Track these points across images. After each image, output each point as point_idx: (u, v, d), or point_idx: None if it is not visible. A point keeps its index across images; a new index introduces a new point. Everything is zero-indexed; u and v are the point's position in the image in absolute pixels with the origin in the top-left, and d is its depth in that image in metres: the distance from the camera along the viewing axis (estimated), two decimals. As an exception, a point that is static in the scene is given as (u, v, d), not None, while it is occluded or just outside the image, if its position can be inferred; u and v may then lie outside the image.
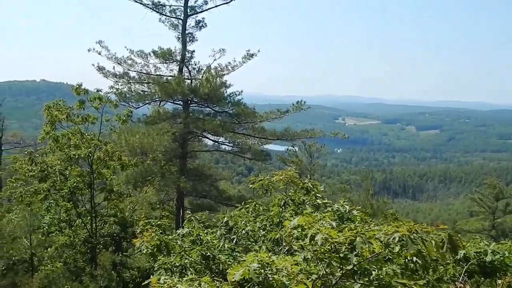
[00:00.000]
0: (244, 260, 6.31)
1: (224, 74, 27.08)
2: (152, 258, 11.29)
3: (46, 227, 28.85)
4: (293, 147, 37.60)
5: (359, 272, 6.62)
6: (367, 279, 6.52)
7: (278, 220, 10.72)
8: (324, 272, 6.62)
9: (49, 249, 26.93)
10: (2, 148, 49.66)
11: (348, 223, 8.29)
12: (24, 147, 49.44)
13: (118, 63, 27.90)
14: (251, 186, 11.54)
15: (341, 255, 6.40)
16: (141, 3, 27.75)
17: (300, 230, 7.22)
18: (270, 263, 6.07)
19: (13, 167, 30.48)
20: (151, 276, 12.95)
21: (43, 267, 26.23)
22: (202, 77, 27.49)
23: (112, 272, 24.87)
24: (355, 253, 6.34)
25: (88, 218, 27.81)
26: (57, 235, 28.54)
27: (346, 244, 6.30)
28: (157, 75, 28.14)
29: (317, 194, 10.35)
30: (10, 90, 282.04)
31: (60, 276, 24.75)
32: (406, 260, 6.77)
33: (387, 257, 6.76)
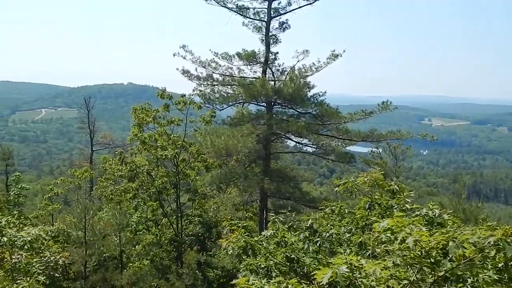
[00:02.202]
0: (331, 263, 6.13)
1: (308, 75, 26.89)
2: (237, 259, 11.29)
3: (134, 226, 29.76)
4: (377, 149, 36.75)
5: (452, 278, 6.27)
6: (461, 285, 6.15)
7: (363, 223, 10.44)
8: (415, 278, 6.34)
9: (137, 246, 27.74)
10: (94, 149, 51.85)
11: (438, 228, 7.92)
12: (113, 147, 51.47)
13: (203, 66, 28.35)
14: (335, 188, 11.29)
15: (433, 260, 6.11)
16: (225, 7, 28.08)
17: (389, 233, 6.98)
18: (359, 266, 5.87)
19: (104, 167, 31.63)
20: (235, 276, 13.00)
21: (131, 264, 27.07)
22: (285, 78, 27.43)
23: (197, 271, 25.23)
24: (448, 258, 6.04)
25: (174, 217, 28.41)
26: (144, 234, 29.37)
27: (438, 249, 6.01)
28: (240, 77, 28.33)
29: (406, 198, 9.96)
30: (99, 93, 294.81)
31: (147, 273, 25.43)
32: (502, 266, 6.34)
33: (482, 262, 6.37)
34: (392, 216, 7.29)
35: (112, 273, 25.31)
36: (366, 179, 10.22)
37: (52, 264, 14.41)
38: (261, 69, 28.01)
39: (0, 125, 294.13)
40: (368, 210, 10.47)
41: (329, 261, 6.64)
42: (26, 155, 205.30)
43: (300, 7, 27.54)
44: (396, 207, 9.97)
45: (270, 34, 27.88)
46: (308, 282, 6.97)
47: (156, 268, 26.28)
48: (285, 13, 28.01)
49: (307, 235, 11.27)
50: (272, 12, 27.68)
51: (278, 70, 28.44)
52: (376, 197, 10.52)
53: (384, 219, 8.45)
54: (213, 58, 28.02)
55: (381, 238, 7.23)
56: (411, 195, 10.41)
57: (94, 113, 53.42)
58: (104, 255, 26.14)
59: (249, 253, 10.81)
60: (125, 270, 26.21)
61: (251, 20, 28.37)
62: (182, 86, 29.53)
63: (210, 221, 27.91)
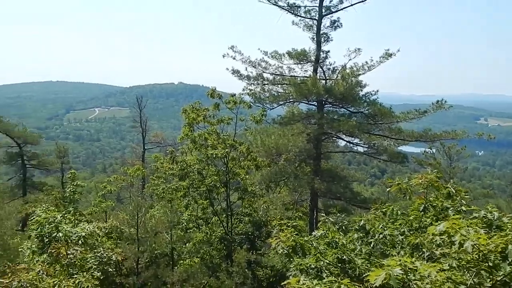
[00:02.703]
0: (384, 264, 6.00)
1: (360, 74, 26.50)
2: (287, 259, 11.23)
3: (185, 223, 30.04)
4: (431, 149, 35.99)
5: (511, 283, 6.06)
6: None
7: (417, 225, 10.20)
8: (472, 282, 6.13)
9: (187, 244, 27.98)
10: (146, 147, 52.71)
11: (497, 231, 7.65)
12: (165, 146, 52.23)
13: (252, 66, 28.37)
14: (388, 189, 11.08)
15: (491, 263, 5.89)
16: (276, 5, 28.01)
17: (445, 236, 6.78)
18: (413, 268, 5.72)
19: (155, 166, 32.06)
20: (285, 275, 12.91)
21: (182, 261, 27.34)
22: (337, 76, 27.15)
23: (247, 269, 25.25)
24: (507, 262, 5.82)
25: (224, 216, 28.53)
26: (194, 232, 29.60)
27: (496, 252, 5.80)
28: (291, 76, 28.20)
29: (462, 200, 9.68)
30: (151, 93, 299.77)
31: (198, 271, 25.59)
32: None
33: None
34: (448, 218, 7.09)
35: (163, 270, 25.56)
36: (421, 180, 10.00)
37: (106, 259, 14.65)
38: (312, 68, 27.82)
39: (56, 124, 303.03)
40: (423, 212, 10.25)
41: (382, 263, 6.51)
42: (81, 153, 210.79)
43: (352, 4, 27.25)
44: (451, 209, 9.73)
45: (321, 32, 27.68)
46: (360, 284, 6.84)
47: (206, 266, 26.43)
48: (336, 11, 27.80)
49: (359, 236, 11.11)
50: (323, 10, 27.49)
51: (329, 68, 28.19)
52: (430, 198, 10.29)
53: (439, 221, 8.23)
54: (263, 58, 28.04)
55: (436, 240, 7.05)
56: (467, 197, 10.13)
57: (145, 112, 54.33)
58: (155, 252, 26.45)
59: (299, 253, 10.75)
60: (176, 267, 26.47)
61: (302, 18, 28.25)
62: (232, 85, 29.72)
63: (260, 220, 27.88)
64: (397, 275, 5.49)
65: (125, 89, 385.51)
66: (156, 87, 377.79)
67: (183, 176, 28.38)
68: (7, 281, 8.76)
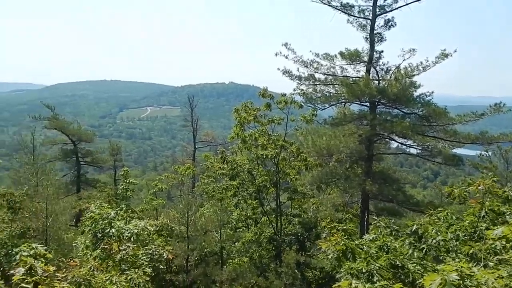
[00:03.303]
0: (438, 270, 5.81)
1: (414, 75, 25.91)
2: (337, 262, 11.09)
3: (234, 223, 30.13)
4: (487, 152, 34.93)
5: None
6: None
7: (473, 230, 9.89)
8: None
9: (236, 243, 28.06)
10: (196, 146, 53.19)
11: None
12: (215, 145, 52.54)
13: (304, 66, 28.16)
14: (444, 192, 10.80)
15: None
16: (329, 5, 27.73)
17: (503, 241, 6.52)
18: (470, 274, 5.51)
19: (206, 165, 32.26)
20: (334, 278, 12.74)
21: (231, 260, 27.41)
22: (390, 77, 26.67)
23: (296, 270, 25.11)
24: None
25: (273, 216, 28.45)
26: (244, 231, 29.65)
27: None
28: (343, 76, 27.87)
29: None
30: (202, 92, 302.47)
31: (247, 270, 25.60)
32: None
33: None
34: (507, 224, 6.84)
35: (212, 269, 25.71)
36: (480, 187, 9.68)
37: (157, 256, 14.79)
38: (365, 68, 27.42)
39: (109, 122, 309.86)
40: (478, 217, 9.94)
41: (437, 268, 6.34)
42: (133, 151, 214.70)
43: (407, 4, 26.68)
44: (508, 213, 9.42)
45: (374, 32, 27.25)
46: None
47: (255, 266, 26.42)
48: (391, 11, 27.28)
49: (412, 240, 10.87)
50: (377, 10, 27.05)
51: (382, 69, 27.71)
52: (487, 203, 9.95)
53: (497, 226, 7.96)
54: (315, 58, 27.79)
55: (496, 246, 6.79)
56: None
57: (196, 112, 54.80)
58: (205, 250, 26.62)
59: (349, 256, 10.60)
60: (225, 266, 26.57)
61: (355, 18, 27.88)
62: (283, 86, 29.58)
63: (310, 221, 27.67)
64: (453, 281, 5.31)
65: (176, 88, 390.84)
66: (207, 87, 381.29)
67: (233, 176, 28.46)
68: (62, 276, 8.88)
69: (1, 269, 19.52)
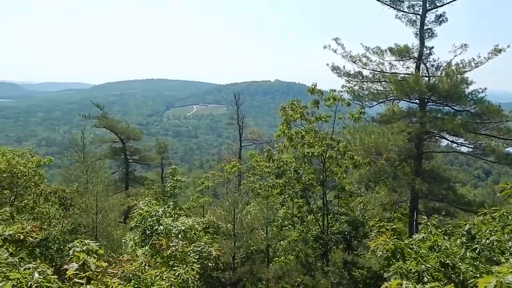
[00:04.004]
0: (492, 271, 5.59)
1: (466, 71, 25.16)
2: (385, 262, 10.92)
3: (280, 221, 30.07)
4: (543, 150, 33.73)
5: None
6: None
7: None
8: None
9: (282, 242, 27.99)
10: (242, 144, 53.32)
11: None
12: (261, 143, 52.53)
13: (353, 61, 27.71)
14: (497, 188, 10.53)
15: None
16: (378, 0, 27.25)
17: None
18: (528, 276, 5.26)
19: (252, 164, 32.29)
20: (382, 277, 12.51)
21: (277, 259, 27.38)
22: (441, 73, 26.01)
23: (343, 270, 24.86)
24: None
25: (320, 215, 28.26)
26: (290, 229, 29.58)
27: None
28: (392, 73, 27.34)
29: None
30: (247, 90, 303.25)
31: (293, 268, 25.51)
32: None
33: None
34: None
35: (258, 266, 25.71)
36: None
37: (205, 254, 14.83)
38: (414, 64, 26.80)
39: (156, 120, 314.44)
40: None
41: (491, 269, 6.13)
42: (179, 149, 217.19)
43: (459, -3, 25.99)
44: None
45: (425, 27, 26.61)
46: None
47: (302, 264, 26.30)
48: (442, 5, 26.58)
49: (464, 240, 10.62)
50: (427, 5, 26.42)
51: (432, 65, 26.97)
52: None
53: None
54: (364, 53, 27.31)
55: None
56: None
57: (242, 110, 54.92)
58: (251, 248, 26.65)
59: (398, 256, 10.43)
60: (271, 264, 26.56)
61: (404, 13, 27.30)
62: (328, 84, 29.17)
63: (357, 220, 27.35)
64: (509, 283, 5.09)
65: (222, 87, 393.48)
66: (253, 85, 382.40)
67: (279, 174, 28.41)
68: (113, 271, 8.98)
69: (54, 264, 19.98)
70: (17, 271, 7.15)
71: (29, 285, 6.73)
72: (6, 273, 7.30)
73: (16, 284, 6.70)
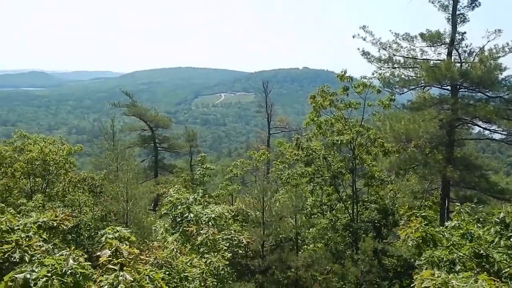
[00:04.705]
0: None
1: (499, 56, 24.58)
2: (416, 250, 10.82)
3: (309, 209, 29.98)
4: None
5: None
6: None
7: None
8: None
9: (311, 230, 27.93)
10: (270, 132, 53.21)
11: None
12: (289, 131, 52.38)
13: (383, 48, 27.36)
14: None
15: None
16: (411, -15, 26.81)
17: None
18: None
19: (280, 151, 32.18)
20: (413, 266, 12.38)
21: (306, 247, 27.35)
22: (474, 59, 25.49)
23: (373, 258, 24.71)
24: None
25: (349, 203, 28.12)
26: (319, 217, 29.49)
27: None
28: (423, 59, 26.90)
29: None
30: (275, 78, 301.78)
31: (322, 256, 25.44)
32: None
33: None
34: None
35: (288, 254, 25.72)
36: None
37: (236, 241, 14.86)
38: (446, 50, 26.29)
39: (184, 108, 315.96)
40: None
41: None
42: (207, 137, 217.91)
43: (493, -19, 25.36)
44: None
45: (457, 13, 26.04)
46: (498, 280, 6.30)
47: (331, 252, 26.26)
48: (475, -11, 26.00)
49: (498, 229, 10.48)
50: (460, -11, 25.87)
51: (465, 51, 26.40)
52: None
53: None
54: (395, 39, 26.93)
55: None
56: None
57: (270, 97, 54.72)
58: (280, 236, 26.66)
59: (430, 244, 10.34)
60: (300, 252, 26.54)
61: (437, -2, 26.76)
62: (357, 71, 28.82)
63: (387, 208, 27.12)
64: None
65: (250, 75, 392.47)
66: (281, 72, 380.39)
67: (308, 162, 28.29)
68: (145, 258, 9.05)
69: (85, 250, 20.28)
70: (51, 257, 7.24)
71: (63, 271, 6.80)
72: (40, 259, 7.40)
73: (51, 270, 6.78)
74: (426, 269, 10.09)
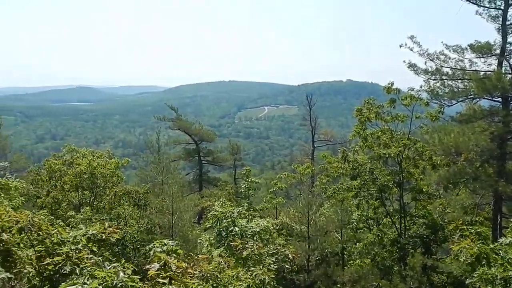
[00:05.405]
0: None
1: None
2: (468, 267, 10.50)
3: (355, 223, 29.58)
4: None
5: None
6: None
7: None
8: None
9: (358, 244, 27.53)
10: (315, 145, 52.98)
11: None
12: (334, 144, 52.09)
13: (430, 59, 26.84)
14: None
15: None
16: (458, -3, 26.32)
17: None
18: None
19: (325, 166, 31.93)
20: (464, 284, 11.99)
21: (352, 262, 26.96)
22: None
23: (422, 274, 24.12)
24: None
25: (396, 217, 27.60)
26: (365, 232, 29.04)
27: None
28: (472, 70, 26.28)
29: None
30: (319, 90, 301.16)
31: (369, 272, 25.03)
32: None
33: None
34: None
35: (333, 269, 25.43)
36: None
37: (282, 256, 14.71)
38: (496, 61, 25.65)
39: (228, 122, 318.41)
40: None
41: None
42: (250, 150, 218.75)
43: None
44: None
45: (507, 23, 25.42)
46: None
47: (378, 268, 25.77)
48: (526, -1, 25.32)
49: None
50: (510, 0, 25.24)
51: (517, 62, 25.75)
52: None
53: None
54: (442, 51, 26.42)
55: None
56: None
57: (314, 110, 54.61)
58: (326, 250, 26.40)
59: (483, 262, 10.07)
60: (347, 267, 26.18)
61: (485, 8, 26.18)
62: (401, 84, 28.30)
63: (436, 223, 26.46)
64: None
65: (293, 88, 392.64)
66: (324, 85, 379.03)
67: (354, 176, 27.95)
68: (192, 271, 9.02)
69: (131, 263, 20.46)
70: (102, 270, 7.28)
71: (114, 284, 6.82)
72: (90, 271, 7.45)
73: (102, 282, 6.81)
74: (479, 287, 9.79)
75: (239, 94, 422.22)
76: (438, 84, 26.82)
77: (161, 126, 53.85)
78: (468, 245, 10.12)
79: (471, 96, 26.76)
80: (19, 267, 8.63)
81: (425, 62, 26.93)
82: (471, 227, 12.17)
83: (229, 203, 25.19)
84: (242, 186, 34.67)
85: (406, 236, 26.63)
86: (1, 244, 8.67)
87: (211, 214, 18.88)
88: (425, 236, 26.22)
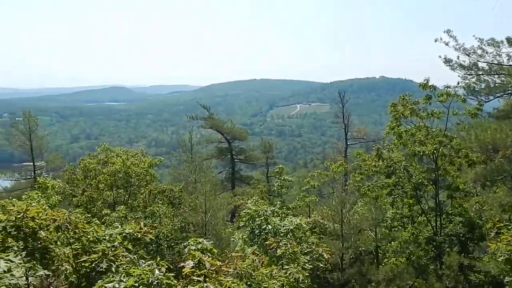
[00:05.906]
0: None
1: None
2: (507, 265, 10.23)
3: (389, 222, 29.23)
4: None
5: None
6: None
7: None
8: None
9: (392, 243, 27.17)
10: (348, 143, 52.57)
11: None
12: (367, 142, 51.58)
13: (466, 54, 26.31)
14: None
15: None
16: (496, -9, 25.74)
17: None
18: None
19: (358, 164, 31.67)
20: (503, 283, 11.72)
21: (386, 260, 26.64)
22: None
23: (459, 273, 23.67)
24: None
25: (432, 215, 27.18)
26: (399, 230, 28.68)
27: None
28: (510, 65, 25.68)
29: None
30: (351, 87, 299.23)
31: (404, 271, 24.66)
32: None
33: None
34: None
35: (368, 268, 25.17)
36: None
37: (317, 255, 14.62)
38: (535, 55, 25.00)
39: (260, 120, 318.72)
40: None
41: None
42: (283, 148, 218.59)
43: None
44: None
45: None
46: None
47: (413, 267, 25.37)
48: None
49: None
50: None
51: (557, 55, 25.05)
52: None
53: None
54: (479, 45, 25.83)
55: None
56: None
57: (346, 107, 54.19)
58: (360, 249, 26.15)
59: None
60: (381, 266, 25.89)
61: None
62: (436, 80, 27.79)
63: (473, 221, 25.94)
64: None
65: (325, 85, 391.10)
66: (356, 82, 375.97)
67: (389, 174, 27.60)
68: (226, 269, 9.01)
69: (165, 260, 20.59)
70: (138, 267, 7.33)
71: (150, 281, 6.86)
72: (126, 269, 7.50)
73: (138, 280, 6.86)
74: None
75: (270, 92, 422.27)
76: (474, 80, 26.27)
77: (194, 125, 54.09)
78: (506, 243, 9.90)
79: (508, 92, 26.16)
80: (57, 264, 8.75)
81: (458, 57, 26.43)
82: (509, 224, 11.90)
83: (262, 201, 25.23)
84: (275, 184, 34.64)
85: (442, 234, 26.18)
86: (39, 242, 8.80)
87: (244, 212, 18.88)
88: (461, 235, 25.73)
